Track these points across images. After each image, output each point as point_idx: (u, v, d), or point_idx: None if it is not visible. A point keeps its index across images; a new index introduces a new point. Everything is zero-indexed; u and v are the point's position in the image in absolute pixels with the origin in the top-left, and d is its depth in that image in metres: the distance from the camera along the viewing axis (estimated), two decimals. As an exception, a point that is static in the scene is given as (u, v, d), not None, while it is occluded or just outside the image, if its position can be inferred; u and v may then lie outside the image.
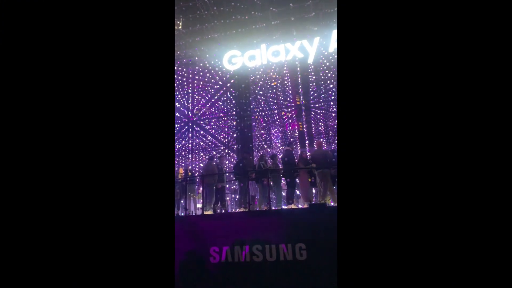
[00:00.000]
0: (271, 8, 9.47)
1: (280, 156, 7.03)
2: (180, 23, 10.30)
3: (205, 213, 5.88)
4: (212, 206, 5.96)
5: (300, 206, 5.91)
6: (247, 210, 5.64)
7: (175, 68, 10.97)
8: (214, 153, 9.57)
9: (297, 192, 6.49)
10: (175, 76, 10.98)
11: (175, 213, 6.54)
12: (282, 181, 6.06)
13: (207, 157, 9.89)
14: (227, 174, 6.54)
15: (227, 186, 7.15)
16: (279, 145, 9.53)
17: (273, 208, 5.44)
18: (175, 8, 9.62)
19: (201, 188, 6.59)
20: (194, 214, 6.26)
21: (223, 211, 6.10)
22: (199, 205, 6.53)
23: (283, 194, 6.11)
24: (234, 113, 10.21)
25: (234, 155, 9.58)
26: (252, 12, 9.57)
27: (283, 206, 5.78)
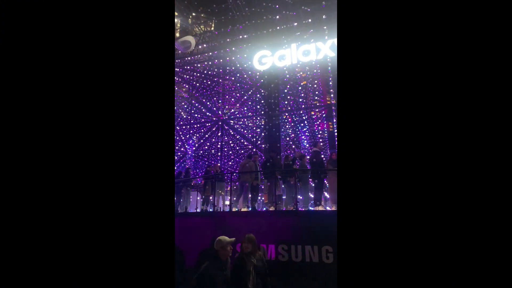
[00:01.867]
0: (302, 7, 9.37)
1: (308, 157, 6.95)
2: (213, 25, 10.63)
3: (233, 210, 6.04)
4: (246, 203, 6.10)
5: (328, 208, 5.81)
6: (273, 209, 5.69)
7: (207, 67, 11.34)
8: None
9: (326, 194, 6.39)
10: (206, 75, 11.35)
11: (204, 208, 6.81)
12: (310, 182, 6.00)
13: (235, 155, 10.12)
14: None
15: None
16: (307, 145, 9.42)
17: (299, 209, 5.42)
18: (208, 10, 9.94)
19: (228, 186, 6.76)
20: (222, 210, 6.45)
21: (250, 208, 6.22)
22: (227, 202, 6.71)
23: (311, 195, 6.06)
24: (262, 112, 10.29)
25: (262, 154, 9.66)
26: (284, 12, 9.56)
27: (310, 208, 5.73)
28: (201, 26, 10.92)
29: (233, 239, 2.85)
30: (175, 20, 10.27)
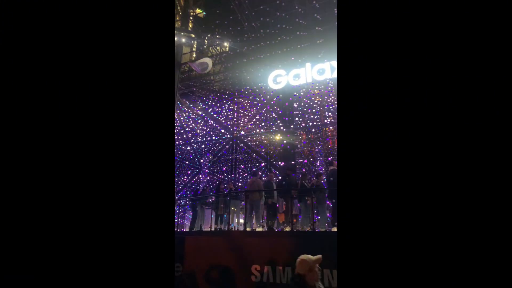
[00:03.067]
0: (316, 28, 9.60)
1: (324, 176, 6.81)
2: (227, 46, 11.03)
3: (247, 229, 5.92)
4: (261, 223, 5.98)
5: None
6: (289, 229, 5.53)
7: (222, 87, 11.63)
8: (255, 169, 9.69)
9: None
10: (222, 94, 11.62)
11: (218, 227, 6.72)
12: (328, 202, 5.83)
13: (249, 172, 10.08)
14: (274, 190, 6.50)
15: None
16: (323, 162, 9.27)
17: (316, 230, 5.24)
18: (224, 32, 10.37)
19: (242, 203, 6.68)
20: (236, 229, 6.34)
21: (265, 228, 6.07)
22: (242, 221, 6.60)
23: (328, 215, 5.86)
24: (277, 130, 10.32)
25: (277, 172, 9.57)
26: (298, 33, 9.81)
27: (328, 229, 5.53)
28: (217, 48, 11.36)
29: (319, 256, 2.23)
30: (192, 42, 10.74)
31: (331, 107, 9.76)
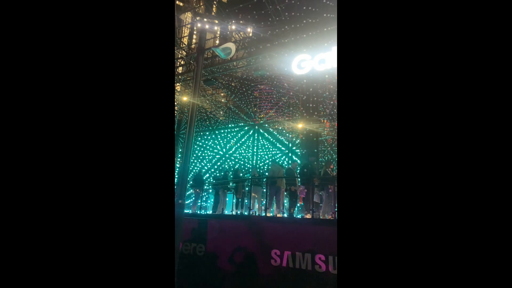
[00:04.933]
0: (344, 9, 9.06)
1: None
2: (251, 30, 10.81)
3: (268, 215, 5.98)
4: (281, 209, 6.03)
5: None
6: (310, 217, 5.50)
7: (245, 73, 11.54)
8: (276, 157, 9.65)
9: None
10: (244, 80, 11.54)
11: (237, 211, 6.86)
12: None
13: (270, 160, 10.08)
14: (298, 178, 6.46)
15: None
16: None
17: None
18: (248, 16, 10.15)
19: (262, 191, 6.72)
20: (257, 214, 6.44)
21: (285, 214, 6.09)
22: (263, 207, 6.67)
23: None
24: (300, 117, 10.12)
25: (298, 160, 9.47)
26: (324, 14, 9.35)
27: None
28: (241, 33, 11.19)
29: None
30: (216, 28, 10.66)
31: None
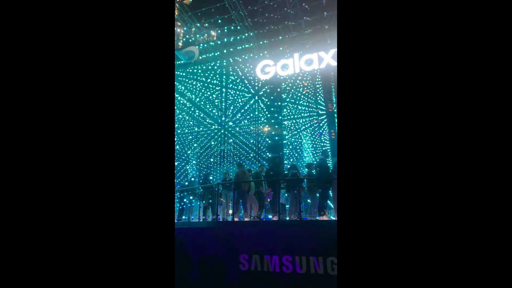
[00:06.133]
0: (304, 18, 9.51)
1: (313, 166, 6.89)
2: (215, 35, 10.78)
3: (235, 219, 5.96)
4: (248, 213, 6.03)
5: (332, 218, 5.71)
6: (277, 219, 5.60)
7: (209, 77, 11.42)
8: (241, 161, 9.70)
9: (330, 204, 6.30)
10: (209, 84, 11.42)
11: (205, 218, 6.72)
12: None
13: (236, 164, 10.07)
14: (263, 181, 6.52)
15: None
16: (310, 153, 9.37)
17: (303, 219, 5.34)
18: (211, 20, 10.10)
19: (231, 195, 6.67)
20: (225, 220, 6.37)
21: (252, 218, 6.12)
22: (230, 211, 6.63)
23: (314, 205, 5.97)
24: (265, 120, 10.30)
25: (265, 162, 9.62)
26: (286, 22, 9.69)
27: (316, 218, 5.64)
28: (205, 36, 11.08)
29: None
30: (178, 30, 10.43)
31: (318, 99, 9.81)
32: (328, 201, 6.03)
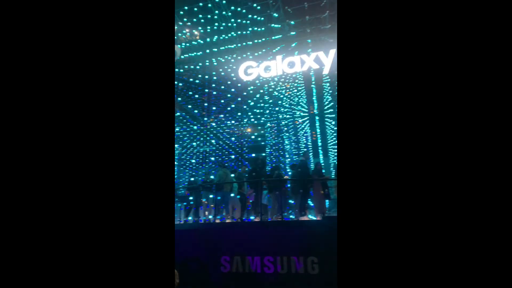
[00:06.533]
0: (287, 21, 9.65)
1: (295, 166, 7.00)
2: (198, 34, 10.67)
3: (216, 221, 5.91)
4: (231, 214, 6.00)
5: (313, 218, 5.83)
6: (258, 219, 5.63)
7: (192, 77, 11.28)
8: (225, 161, 9.66)
9: (311, 203, 6.42)
10: (192, 84, 11.27)
11: (186, 220, 6.61)
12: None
13: (220, 164, 10.01)
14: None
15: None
16: (292, 154, 9.51)
17: (285, 219, 5.40)
18: (194, 20, 9.99)
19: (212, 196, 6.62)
20: (206, 221, 6.30)
21: (234, 219, 6.11)
22: (212, 213, 6.57)
23: (296, 205, 6.07)
24: (248, 122, 10.31)
25: (247, 163, 9.63)
26: (269, 24, 9.78)
27: (298, 218, 5.73)
28: (187, 35, 10.94)
29: None
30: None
31: (300, 101, 9.98)
32: (309, 201, 6.15)
